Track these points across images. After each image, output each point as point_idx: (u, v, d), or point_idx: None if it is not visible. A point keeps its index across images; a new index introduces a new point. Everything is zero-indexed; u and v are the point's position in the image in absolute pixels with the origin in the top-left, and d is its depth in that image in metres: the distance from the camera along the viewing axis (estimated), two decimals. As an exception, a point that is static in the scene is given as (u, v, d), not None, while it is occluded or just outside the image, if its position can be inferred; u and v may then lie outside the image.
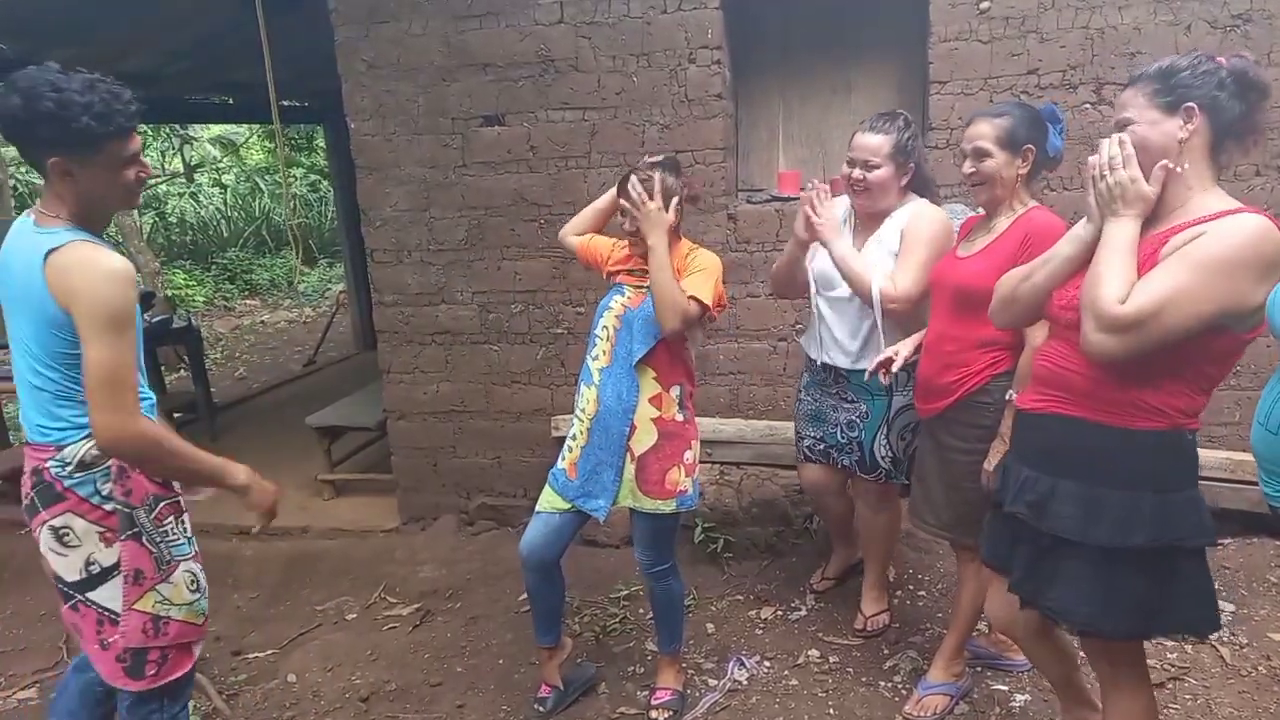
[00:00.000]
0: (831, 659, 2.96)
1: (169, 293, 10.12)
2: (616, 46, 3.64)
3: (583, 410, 2.64)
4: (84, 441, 1.93)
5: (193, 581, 2.09)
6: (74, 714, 2.24)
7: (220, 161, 15.49)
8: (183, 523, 2.09)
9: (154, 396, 2.10)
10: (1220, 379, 1.76)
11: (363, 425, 4.79)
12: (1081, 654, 2.09)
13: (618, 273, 2.65)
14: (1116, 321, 1.60)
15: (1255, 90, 1.69)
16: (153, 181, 14.48)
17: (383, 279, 4.10)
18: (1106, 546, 1.72)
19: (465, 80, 3.80)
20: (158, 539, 2.01)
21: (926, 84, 3.46)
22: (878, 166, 2.64)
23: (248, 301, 12.39)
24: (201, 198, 14.72)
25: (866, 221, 2.80)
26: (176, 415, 6.04)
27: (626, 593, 3.48)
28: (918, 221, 2.65)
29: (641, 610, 3.36)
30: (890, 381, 2.64)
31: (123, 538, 1.97)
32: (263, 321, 11.25)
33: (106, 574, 1.97)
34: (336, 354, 8.45)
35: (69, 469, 1.94)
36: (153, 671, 2.03)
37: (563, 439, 3.65)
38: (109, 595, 1.98)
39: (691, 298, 2.42)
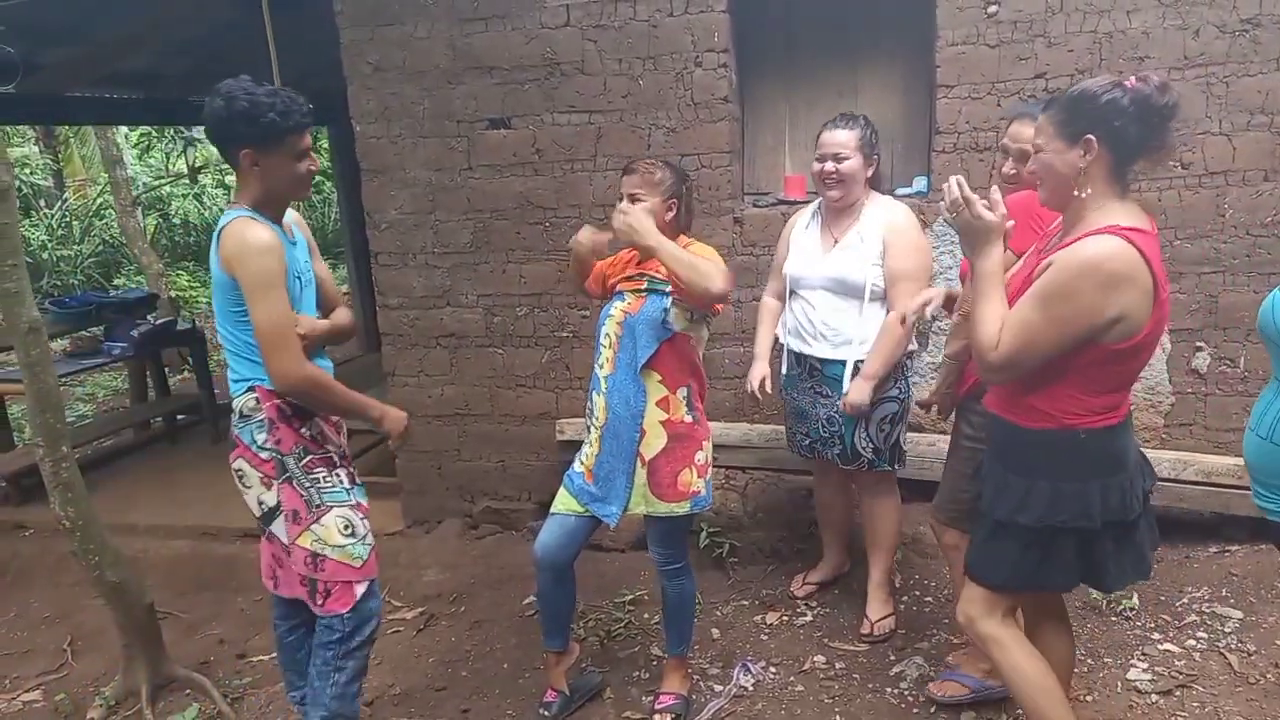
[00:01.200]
0: (837, 665, 2.94)
1: (173, 294, 10.12)
2: (622, 49, 3.63)
3: (594, 419, 2.63)
4: (246, 394, 2.26)
5: (346, 527, 2.32)
6: (291, 665, 2.56)
7: (224, 163, 15.51)
8: (336, 475, 2.34)
9: (321, 360, 2.39)
10: (1120, 381, 1.90)
11: (366, 428, 4.77)
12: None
13: (618, 283, 2.65)
14: (993, 366, 1.86)
15: (1158, 114, 1.77)
16: (156, 183, 14.52)
17: (387, 282, 4.10)
18: (1001, 520, 1.98)
19: (471, 83, 3.80)
20: (307, 484, 2.28)
21: (934, 88, 3.45)
22: (848, 158, 2.84)
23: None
24: (205, 199, 14.71)
25: (835, 216, 2.97)
26: (180, 417, 6.05)
27: (631, 597, 3.47)
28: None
29: (647, 615, 3.35)
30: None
31: (279, 481, 2.28)
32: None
33: (273, 512, 2.31)
34: (340, 355, 8.44)
35: (236, 419, 2.30)
36: (320, 601, 2.31)
37: (568, 442, 3.65)
38: (280, 530, 2.31)
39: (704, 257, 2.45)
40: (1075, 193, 1.83)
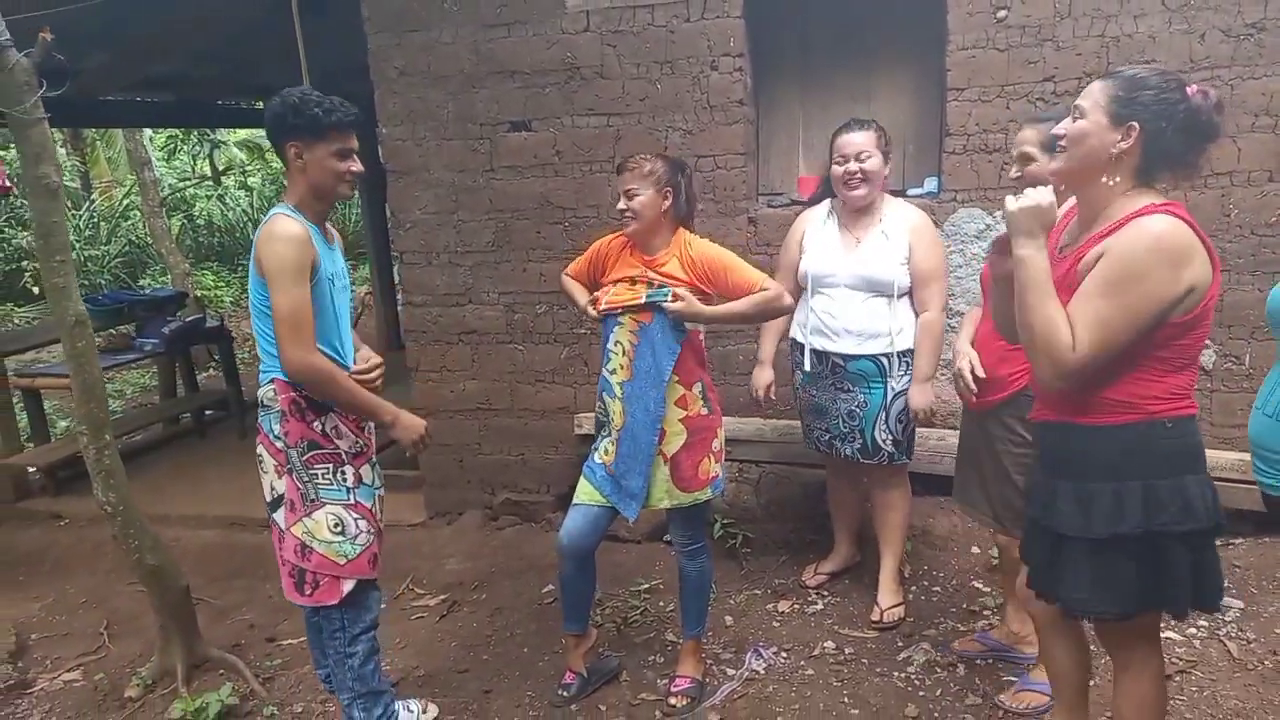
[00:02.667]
0: (847, 650, 3.03)
1: (198, 293, 10.31)
2: (641, 54, 3.74)
3: (611, 422, 2.72)
4: (268, 386, 2.36)
5: (336, 525, 2.38)
6: (318, 645, 2.63)
7: (247, 165, 15.75)
8: (341, 473, 2.39)
9: (343, 359, 2.44)
10: (1188, 356, 1.80)
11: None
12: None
13: (616, 308, 2.67)
14: (1072, 369, 1.73)
15: (1200, 133, 1.75)
16: (180, 184, 14.77)
17: (412, 280, 4.22)
18: (1100, 537, 1.81)
19: (493, 87, 3.92)
20: (305, 479, 2.36)
21: (944, 91, 3.54)
22: (870, 157, 2.93)
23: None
24: (228, 200, 14.96)
25: (854, 216, 3.05)
26: (209, 412, 6.21)
27: (647, 586, 3.57)
28: None
29: (662, 603, 3.45)
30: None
31: (286, 471, 2.36)
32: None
33: (280, 500, 2.40)
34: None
35: (260, 408, 2.41)
36: (309, 591, 2.40)
37: (586, 436, 3.75)
38: (281, 518, 2.39)
39: (762, 286, 2.57)
40: (1103, 179, 1.79)
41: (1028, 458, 2.42)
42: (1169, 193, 1.83)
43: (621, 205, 2.62)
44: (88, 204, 13.51)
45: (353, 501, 2.42)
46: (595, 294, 2.79)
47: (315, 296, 2.27)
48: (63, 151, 14.43)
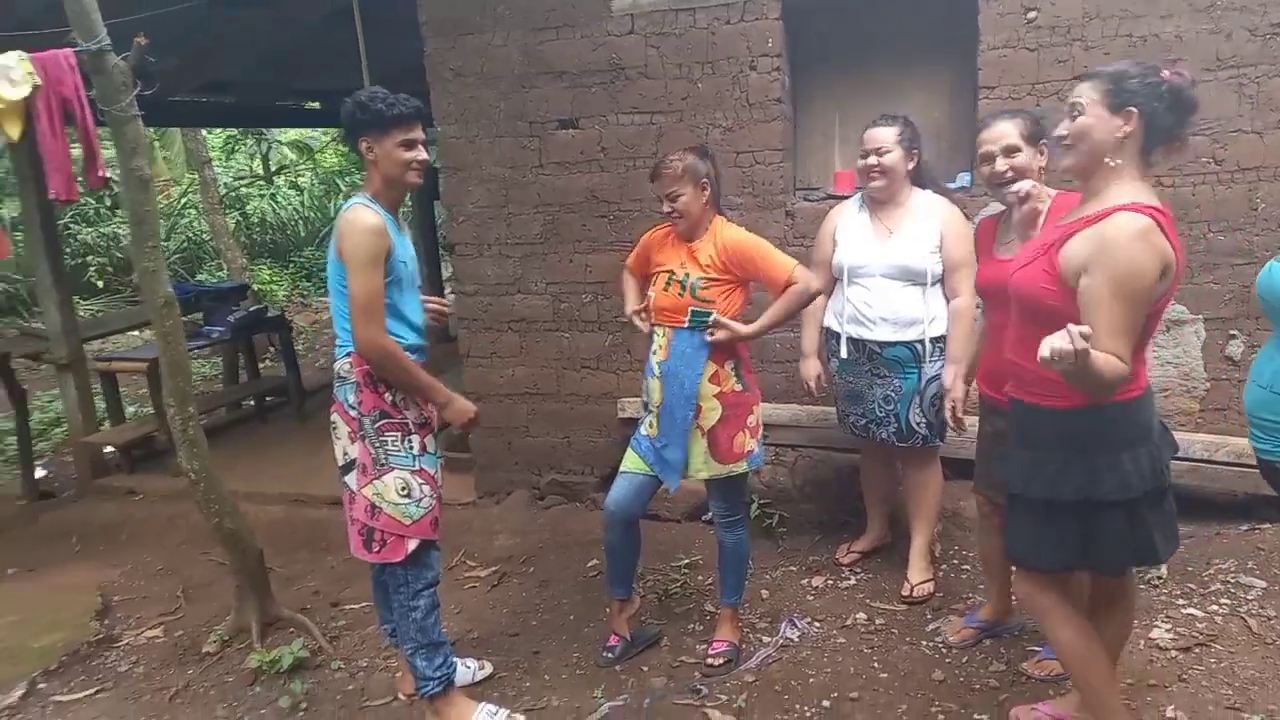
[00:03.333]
0: (878, 621, 3.19)
1: (256, 287, 10.70)
2: (683, 55, 3.92)
3: (651, 400, 2.93)
4: (344, 359, 2.58)
5: (404, 488, 2.60)
6: (383, 601, 2.88)
7: (298, 164, 16.20)
8: (409, 441, 2.61)
9: (412, 339, 2.64)
10: (1145, 344, 2.04)
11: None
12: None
13: (659, 309, 2.88)
14: (1122, 377, 1.90)
15: (1185, 108, 1.95)
16: (236, 183, 15.25)
17: (464, 270, 4.45)
18: (1041, 499, 2.08)
19: (543, 87, 4.13)
20: (376, 445, 2.58)
21: (976, 89, 3.67)
22: (889, 152, 3.10)
23: (325, 298, 12.97)
24: (279, 199, 15.41)
25: (883, 208, 3.21)
26: (269, 398, 6.52)
27: (687, 562, 3.75)
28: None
29: (701, 577, 3.63)
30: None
31: (359, 437, 2.58)
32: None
33: (352, 464, 2.61)
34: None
35: (336, 379, 2.63)
36: (376, 549, 2.62)
37: (629, 420, 3.96)
38: (353, 480, 2.61)
39: (790, 279, 2.72)
40: (1107, 160, 1.97)
41: None
42: (1161, 166, 2.07)
43: (667, 209, 2.79)
44: (148, 202, 13.99)
45: (418, 467, 2.63)
46: (646, 297, 2.98)
47: (392, 275, 2.50)
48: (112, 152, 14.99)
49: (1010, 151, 2.61)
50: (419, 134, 2.53)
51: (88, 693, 3.19)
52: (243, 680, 3.16)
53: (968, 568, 3.51)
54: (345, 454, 2.63)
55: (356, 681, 3.12)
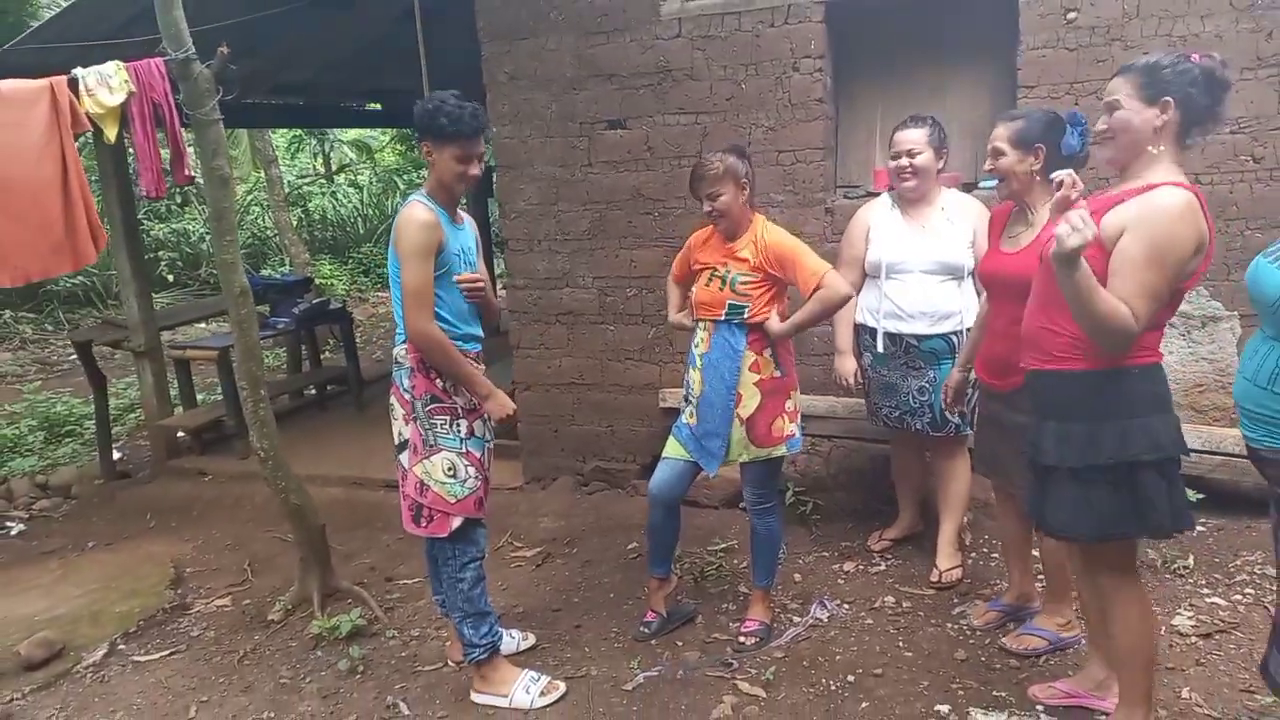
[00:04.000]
0: (905, 604, 3.30)
1: (318, 281, 11.09)
2: (728, 57, 4.06)
3: (691, 392, 3.08)
4: (401, 345, 2.77)
5: (450, 469, 2.77)
6: (435, 575, 3.05)
7: (357, 163, 16.68)
8: (457, 425, 2.78)
9: (464, 328, 2.80)
10: (1165, 316, 2.13)
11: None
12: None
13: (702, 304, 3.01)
14: (1133, 337, 2.00)
15: (1220, 87, 2.05)
16: (299, 181, 15.76)
17: (515, 265, 4.65)
18: (1076, 467, 2.12)
19: (592, 89, 4.30)
20: (427, 426, 2.76)
21: (1016, 89, 3.74)
22: (921, 153, 3.19)
23: (381, 293, 13.37)
24: (340, 196, 15.89)
25: (914, 206, 3.31)
26: (329, 387, 6.81)
27: (724, 546, 3.89)
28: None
29: (736, 560, 3.77)
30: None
31: (412, 419, 2.76)
32: (395, 311, 12.16)
33: (405, 444, 2.80)
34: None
35: (393, 364, 2.81)
36: (424, 524, 2.81)
37: (670, 410, 4.11)
38: (406, 459, 2.80)
39: (820, 284, 2.81)
40: (1150, 148, 2.07)
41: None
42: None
43: (708, 208, 2.92)
44: (215, 199, 14.56)
45: (464, 450, 2.80)
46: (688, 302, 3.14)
47: (444, 266, 2.67)
48: (192, 151, 15.60)
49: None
50: (477, 148, 2.67)
51: (163, 654, 3.45)
52: (305, 645, 3.39)
53: (996, 555, 3.60)
54: (400, 434, 2.83)
55: (409, 648, 3.33)
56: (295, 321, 6.09)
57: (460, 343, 2.75)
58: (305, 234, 14.51)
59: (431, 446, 2.77)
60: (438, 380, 2.76)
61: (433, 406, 2.76)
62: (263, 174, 12.84)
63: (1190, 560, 3.24)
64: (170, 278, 12.25)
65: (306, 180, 15.87)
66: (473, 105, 2.65)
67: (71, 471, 5.84)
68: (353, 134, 16.16)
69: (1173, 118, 2.05)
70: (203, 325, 8.89)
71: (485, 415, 2.88)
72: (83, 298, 11.61)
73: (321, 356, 7.35)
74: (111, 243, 5.46)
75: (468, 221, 2.90)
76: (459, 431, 2.79)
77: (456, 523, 2.80)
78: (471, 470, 2.82)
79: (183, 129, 3.39)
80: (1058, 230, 1.92)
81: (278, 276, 8.52)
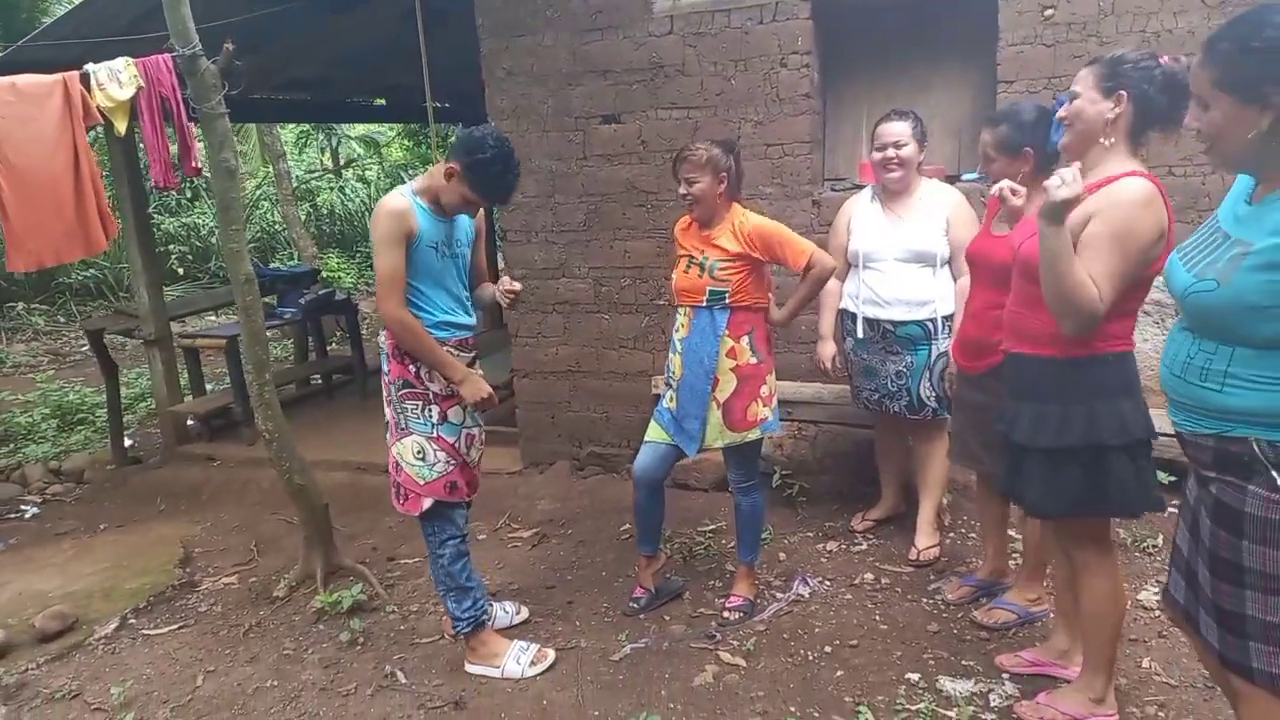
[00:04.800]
0: (883, 581, 3.43)
1: (324, 274, 11.25)
2: (718, 54, 4.18)
3: (672, 376, 3.20)
4: (384, 331, 2.85)
5: (419, 452, 2.87)
6: None
7: (366, 159, 16.83)
8: (429, 410, 2.87)
9: (444, 315, 2.86)
10: (1133, 304, 2.21)
11: (492, 384, 5.48)
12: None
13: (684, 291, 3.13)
14: (1096, 318, 2.06)
15: (1180, 91, 2.10)
16: (307, 176, 15.92)
17: (513, 256, 4.78)
18: (1049, 447, 2.22)
19: (587, 84, 4.43)
20: (399, 410, 2.88)
21: (996, 84, 3.85)
22: (906, 145, 3.29)
23: (388, 286, 13.51)
24: (348, 191, 16.05)
25: (895, 197, 3.42)
26: (336, 376, 6.96)
27: (712, 528, 4.02)
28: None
29: (724, 541, 3.89)
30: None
31: (389, 402, 2.88)
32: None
33: (388, 425, 2.93)
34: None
35: (380, 349, 2.91)
36: (401, 501, 2.94)
37: (660, 395, 4.22)
38: (388, 438, 2.94)
39: (809, 263, 2.95)
40: (1101, 140, 2.15)
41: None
42: (1171, 140, 2.23)
43: (683, 191, 3.03)
44: (225, 194, 14.73)
45: (435, 435, 2.89)
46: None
47: (417, 259, 2.73)
48: (201, 145, 15.77)
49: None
50: (485, 205, 2.83)
51: (172, 628, 3.60)
52: (308, 619, 3.54)
53: (974, 536, 3.72)
54: (385, 415, 2.96)
55: (408, 623, 3.47)
56: (301, 311, 6.24)
57: (437, 330, 2.81)
58: (313, 228, 14.67)
59: (403, 429, 2.88)
60: (411, 366, 2.84)
61: (404, 391, 2.86)
62: (271, 169, 12.99)
63: (1159, 540, 3.36)
64: (180, 271, 12.43)
65: (314, 175, 16.03)
66: (516, 174, 2.76)
67: (84, 457, 6.01)
68: (360, 129, 16.31)
69: (1125, 111, 2.14)
70: (212, 316, 9.06)
71: (465, 405, 2.92)
72: (94, 290, 11.80)
73: (328, 347, 7.50)
74: (123, 235, 5.62)
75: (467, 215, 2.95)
76: (430, 417, 2.87)
77: (427, 503, 2.90)
78: (441, 455, 2.89)
79: (190, 123, 3.53)
80: (1048, 182, 2.01)
81: (284, 268, 8.67)
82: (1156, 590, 3.09)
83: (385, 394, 2.94)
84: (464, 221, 2.95)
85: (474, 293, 3.11)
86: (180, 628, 3.61)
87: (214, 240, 13.28)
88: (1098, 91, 2.17)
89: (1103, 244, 2.07)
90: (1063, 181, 1.99)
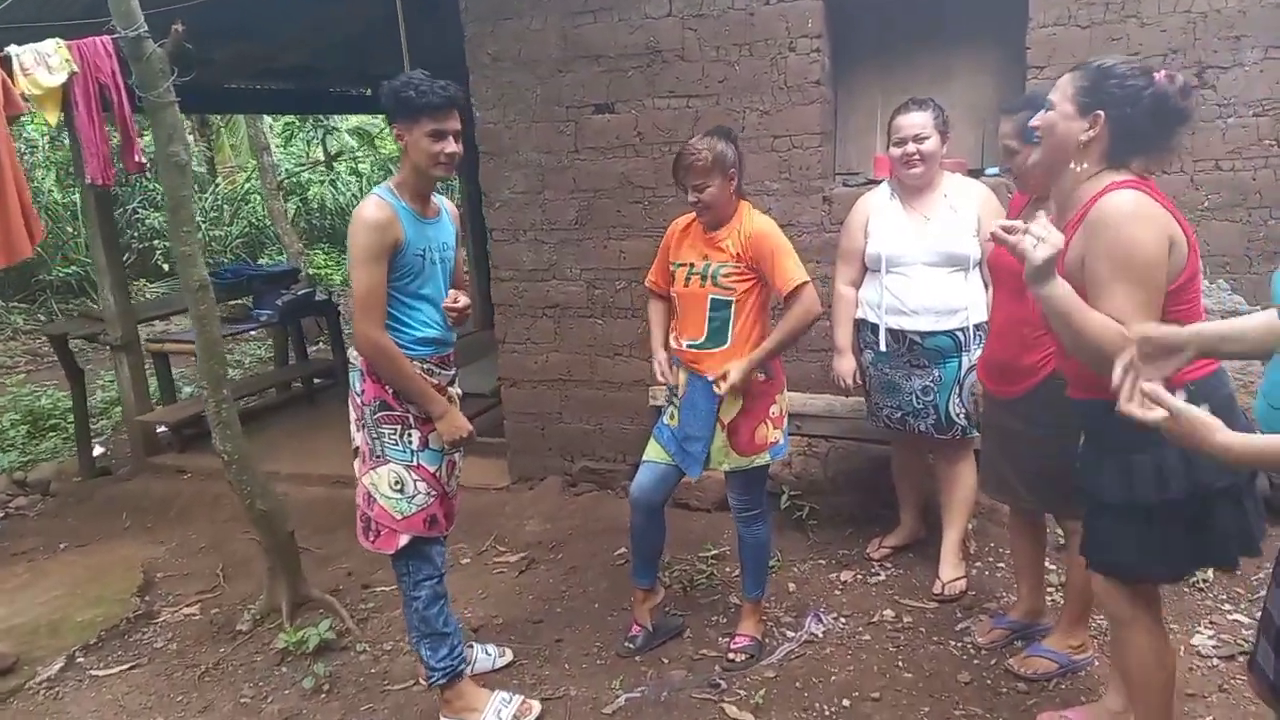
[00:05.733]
0: (905, 619, 3.11)
1: (310, 271, 10.92)
2: (720, 37, 3.85)
3: (674, 392, 2.90)
4: (353, 347, 2.56)
5: (396, 482, 2.56)
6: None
7: (357, 151, 16.46)
8: (408, 435, 2.55)
9: (430, 332, 2.57)
10: (1192, 317, 1.85)
11: (479, 392, 5.17)
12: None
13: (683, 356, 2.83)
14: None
15: (1171, 116, 1.80)
16: (296, 169, 15.57)
17: (500, 256, 4.45)
18: (1148, 504, 1.87)
19: (579, 71, 4.09)
20: (374, 435, 2.55)
21: (1024, 70, 3.52)
22: (928, 138, 2.97)
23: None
24: (340, 184, 15.68)
25: (916, 194, 3.10)
26: (317, 380, 6.64)
27: (715, 553, 3.70)
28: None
29: (728, 569, 3.58)
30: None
31: (361, 425, 2.58)
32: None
33: (357, 451, 2.62)
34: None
35: (349, 365, 2.61)
36: (372, 538, 2.63)
37: (659, 408, 3.93)
38: (357, 467, 2.63)
39: (795, 289, 2.61)
40: (1071, 165, 1.87)
41: (1063, 440, 2.39)
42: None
43: (693, 199, 2.69)
44: (212, 187, 14.39)
45: (415, 463, 2.57)
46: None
47: (403, 268, 2.45)
48: (191, 138, 15.40)
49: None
50: (451, 124, 2.43)
51: (122, 668, 3.28)
52: (270, 661, 3.22)
53: (1002, 565, 3.40)
54: (353, 439, 2.64)
55: (380, 664, 3.15)
56: (278, 314, 5.91)
57: (417, 347, 2.54)
58: (303, 222, 14.33)
59: (378, 457, 2.57)
60: (388, 386, 2.54)
61: (381, 414, 2.54)
62: (256, 161, 12.65)
63: (1209, 572, 3.04)
64: (166, 267, 12.09)
65: (304, 167, 15.66)
66: (446, 80, 2.42)
67: (51, 468, 5.69)
68: (354, 120, 15.94)
69: (1100, 135, 1.82)
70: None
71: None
72: (76, 288, 11.46)
73: (315, 347, 7.18)
74: (87, 232, 5.29)
75: (445, 211, 2.67)
76: (409, 443, 2.57)
77: (404, 540, 2.59)
78: (422, 486, 2.59)
79: (134, 113, 3.18)
80: (1023, 245, 1.69)
81: (259, 266, 8.35)
82: (1212, 634, 2.78)
83: (355, 416, 2.62)
84: (447, 221, 2.67)
85: None
86: (132, 667, 3.29)
87: (199, 235, 12.93)
88: (1073, 106, 1.86)
89: (1107, 280, 1.77)
90: (1038, 240, 1.68)
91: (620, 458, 4.42)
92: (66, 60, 2.94)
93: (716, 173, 2.65)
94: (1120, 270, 1.75)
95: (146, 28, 2.92)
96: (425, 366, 2.58)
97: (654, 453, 2.93)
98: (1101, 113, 1.81)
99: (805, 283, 2.63)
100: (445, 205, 2.69)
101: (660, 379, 2.96)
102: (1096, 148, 1.85)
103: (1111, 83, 1.82)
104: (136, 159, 3.24)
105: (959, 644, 2.93)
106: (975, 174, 3.68)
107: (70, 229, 11.62)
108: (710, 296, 2.71)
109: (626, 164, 4.11)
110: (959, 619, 3.08)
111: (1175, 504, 1.85)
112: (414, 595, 2.64)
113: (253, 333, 7.02)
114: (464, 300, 2.65)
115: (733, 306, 2.70)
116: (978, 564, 3.41)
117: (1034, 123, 1.95)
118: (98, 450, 5.92)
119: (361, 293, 2.40)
